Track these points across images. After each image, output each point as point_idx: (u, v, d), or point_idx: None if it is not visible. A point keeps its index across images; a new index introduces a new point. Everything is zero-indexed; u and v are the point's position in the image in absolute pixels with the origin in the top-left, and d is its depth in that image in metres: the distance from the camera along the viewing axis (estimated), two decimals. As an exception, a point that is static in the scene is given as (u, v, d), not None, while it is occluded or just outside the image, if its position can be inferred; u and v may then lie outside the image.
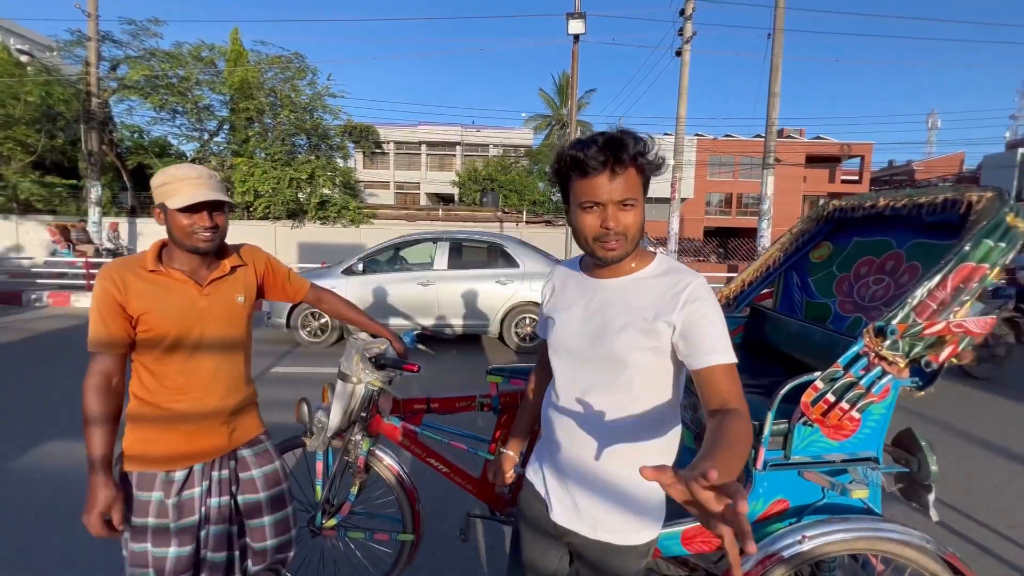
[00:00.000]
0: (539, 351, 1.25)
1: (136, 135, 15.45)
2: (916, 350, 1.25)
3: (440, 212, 18.28)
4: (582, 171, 0.91)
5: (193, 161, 14.98)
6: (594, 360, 1.01)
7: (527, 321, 5.94)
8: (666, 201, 12.85)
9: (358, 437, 1.67)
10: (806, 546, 1.24)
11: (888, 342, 1.22)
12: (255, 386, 1.46)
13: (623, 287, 1.01)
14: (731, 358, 0.91)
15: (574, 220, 0.97)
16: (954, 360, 1.26)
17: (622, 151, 0.89)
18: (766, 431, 1.30)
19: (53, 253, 11.75)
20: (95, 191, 12.19)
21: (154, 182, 1.22)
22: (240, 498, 1.36)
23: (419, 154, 33.78)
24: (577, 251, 1.11)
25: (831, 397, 1.27)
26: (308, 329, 5.97)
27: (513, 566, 1.21)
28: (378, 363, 1.60)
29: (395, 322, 5.89)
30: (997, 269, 1.25)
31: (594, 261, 1.02)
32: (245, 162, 14.05)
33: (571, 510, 1.06)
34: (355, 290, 5.79)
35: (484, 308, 5.93)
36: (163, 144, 15.99)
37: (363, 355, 1.59)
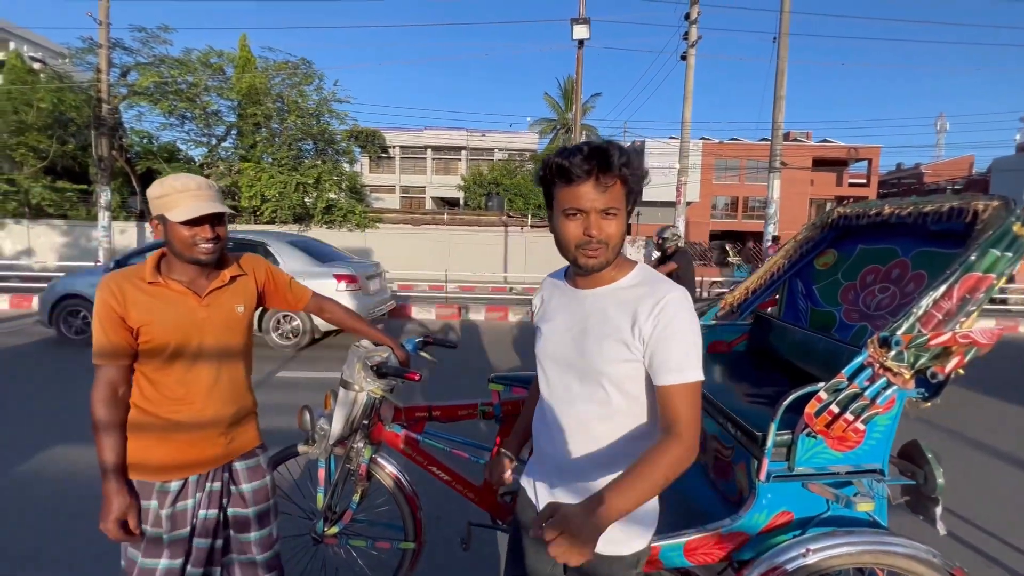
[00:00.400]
0: None
1: (145, 140, 15.64)
2: (921, 361, 1.24)
3: (445, 216, 18.36)
4: (567, 179, 0.92)
5: (201, 166, 15.16)
6: (577, 370, 1.02)
7: (289, 319, 5.91)
8: (671, 205, 12.83)
9: (360, 445, 1.67)
10: (810, 559, 1.23)
11: (893, 353, 1.21)
12: (255, 396, 1.45)
13: (602, 297, 1.02)
14: (689, 377, 0.92)
15: (557, 227, 0.98)
16: (960, 372, 1.25)
17: (607, 161, 0.90)
18: (769, 442, 1.29)
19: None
20: (105, 196, 12.33)
21: (151, 193, 1.18)
22: (230, 511, 1.35)
23: (424, 158, 33.99)
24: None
25: (835, 408, 1.25)
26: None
27: (508, 572, 1.22)
28: (380, 371, 1.60)
29: None
30: (1004, 279, 1.24)
31: (576, 270, 1.03)
32: (252, 167, 14.21)
33: None
34: None
35: None
36: (172, 149, 16.17)
37: (365, 363, 1.59)
